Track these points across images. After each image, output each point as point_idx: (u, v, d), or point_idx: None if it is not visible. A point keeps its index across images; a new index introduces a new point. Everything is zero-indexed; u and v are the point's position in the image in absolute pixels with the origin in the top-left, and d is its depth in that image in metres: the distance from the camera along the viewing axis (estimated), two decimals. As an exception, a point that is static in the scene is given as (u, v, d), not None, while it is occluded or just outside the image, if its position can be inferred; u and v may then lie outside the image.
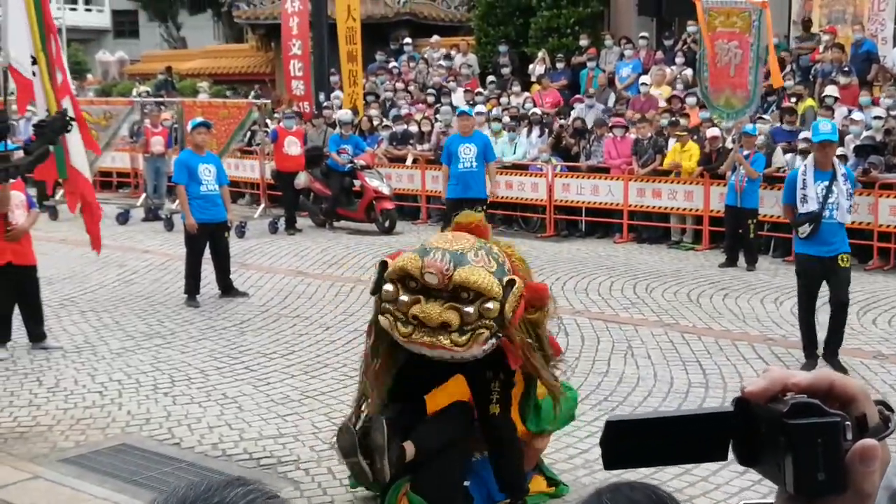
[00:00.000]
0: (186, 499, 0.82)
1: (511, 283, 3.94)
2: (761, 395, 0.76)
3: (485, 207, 10.61)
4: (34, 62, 6.63)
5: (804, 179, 6.64)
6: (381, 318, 4.01)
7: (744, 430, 0.77)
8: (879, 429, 0.74)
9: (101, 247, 7.64)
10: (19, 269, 7.24)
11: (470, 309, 3.86)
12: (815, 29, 14.43)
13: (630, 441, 0.77)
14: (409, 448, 4.26)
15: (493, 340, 3.94)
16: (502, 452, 4.46)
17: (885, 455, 0.74)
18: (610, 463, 0.78)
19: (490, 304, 3.85)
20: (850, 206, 6.93)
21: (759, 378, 0.77)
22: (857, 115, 11.38)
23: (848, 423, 0.73)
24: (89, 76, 26.98)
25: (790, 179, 6.88)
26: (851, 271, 6.92)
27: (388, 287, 3.95)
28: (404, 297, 3.91)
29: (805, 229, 6.61)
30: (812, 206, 6.56)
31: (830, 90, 12.07)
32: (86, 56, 32.04)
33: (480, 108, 14.43)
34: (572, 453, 5.28)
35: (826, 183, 6.60)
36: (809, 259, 6.74)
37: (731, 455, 0.79)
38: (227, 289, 9.23)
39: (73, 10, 37.93)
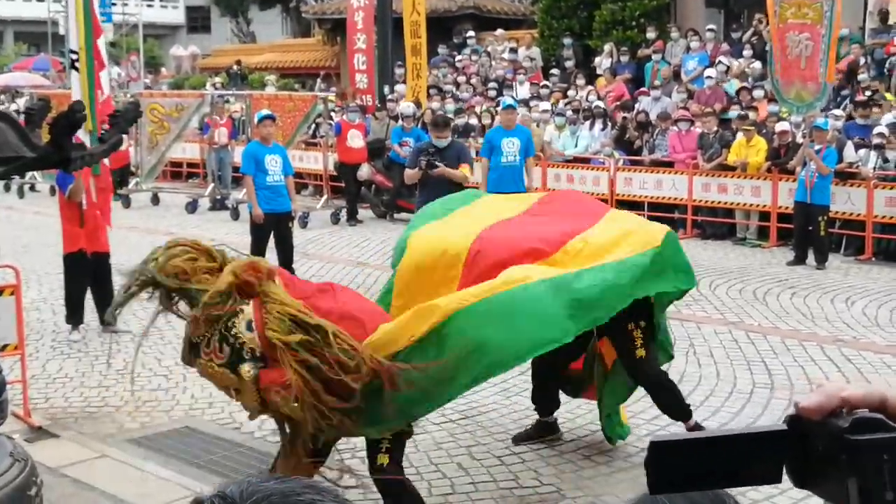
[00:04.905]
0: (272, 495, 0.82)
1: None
2: (817, 411, 0.72)
3: None
4: (76, 57, 6.93)
5: None
6: None
7: (799, 450, 0.72)
8: None
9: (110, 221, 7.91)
10: (93, 256, 7.48)
11: None
12: (892, 20, 13.93)
13: (677, 463, 0.71)
14: None
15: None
16: (657, 392, 4.91)
17: None
18: (656, 486, 0.73)
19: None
20: None
21: (813, 393, 0.73)
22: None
23: None
24: (163, 70, 27.77)
25: None
26: None
27: None
28: None
29: None
30: None
31: (909, 83, 11.66)
32: (160, 51, 32.90)
33: (545, 105, 14.33)
34: (630, 451, 5.20)
35: None
36: None
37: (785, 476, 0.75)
38: (289, 278, 9.37)
39: (150, 6, 38.99)
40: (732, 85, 13.87)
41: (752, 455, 0.72)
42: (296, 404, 3.48)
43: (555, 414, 5.37)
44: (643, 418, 5.62)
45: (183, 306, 3.77)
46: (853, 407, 0.71)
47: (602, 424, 5.24)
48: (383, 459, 3.92)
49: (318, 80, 20.42)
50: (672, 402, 4.98)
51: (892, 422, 0.69)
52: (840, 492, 0.69)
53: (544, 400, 5.25)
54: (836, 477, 0.69)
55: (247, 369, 3.50)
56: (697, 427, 5.02)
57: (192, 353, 3.65)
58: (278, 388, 3.45)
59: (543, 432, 5.31)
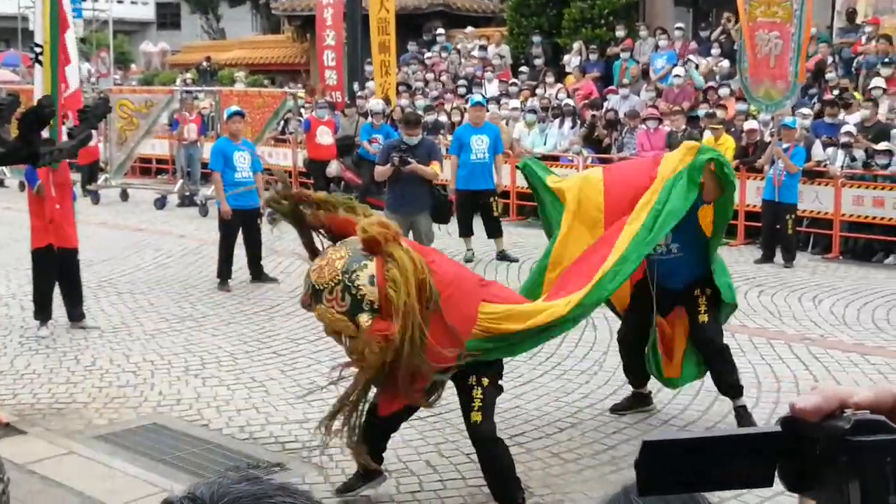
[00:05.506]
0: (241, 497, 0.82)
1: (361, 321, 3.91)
2: (814, 413, 0.69)
3: (496, 198, 10.54)
4: (40, 51, 6.89)
5: None
6: None
7: (794, 453, 0.69)
8: None
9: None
10: (61, 251, 7.40)
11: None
12: (859, 20, 14.12)
13: (668, 464, 0.70)
14: None
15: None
16: (714, 360, 5.17)
17: None
18: (645, 488, 0.70)
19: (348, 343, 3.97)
20: None
21: (811, 395, 0.71)
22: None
23: None
24: (133, 66, 27.49)
25: None
26: None
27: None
28: None
29: None
30: None
31: (877, 82, 11.79)
32: (130, 47, 32.58)
33: (515, 102, 14.35)
34: (598, 449, 5.23)
35: None
36: None
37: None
38: (257, 274, 9.33)
39: (120, 2, 38.62)
40: (701, 81, 13.95)
41: (745, 458, 0.70)
42: (376, 353, 3.77)
43: (647, 387, 5.73)
44: (613, 416, 5.66)
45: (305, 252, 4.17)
46: (861, 409, 0.68)
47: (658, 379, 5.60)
48: (476, 417, 4.24)
49: (297, 80, 20.37)
50: (727, 373, 5.26)
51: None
52: (839, 495, 0.67)
53: (631, 373, 5.66)
54: (834, 480, 0.67)
55: (365, 319, 3.74)
56: (744, 410, 5.29)
57: (314, 299, 3.85)
58: (381, 338, 3.76)
59: (638, 403, 5.68)
